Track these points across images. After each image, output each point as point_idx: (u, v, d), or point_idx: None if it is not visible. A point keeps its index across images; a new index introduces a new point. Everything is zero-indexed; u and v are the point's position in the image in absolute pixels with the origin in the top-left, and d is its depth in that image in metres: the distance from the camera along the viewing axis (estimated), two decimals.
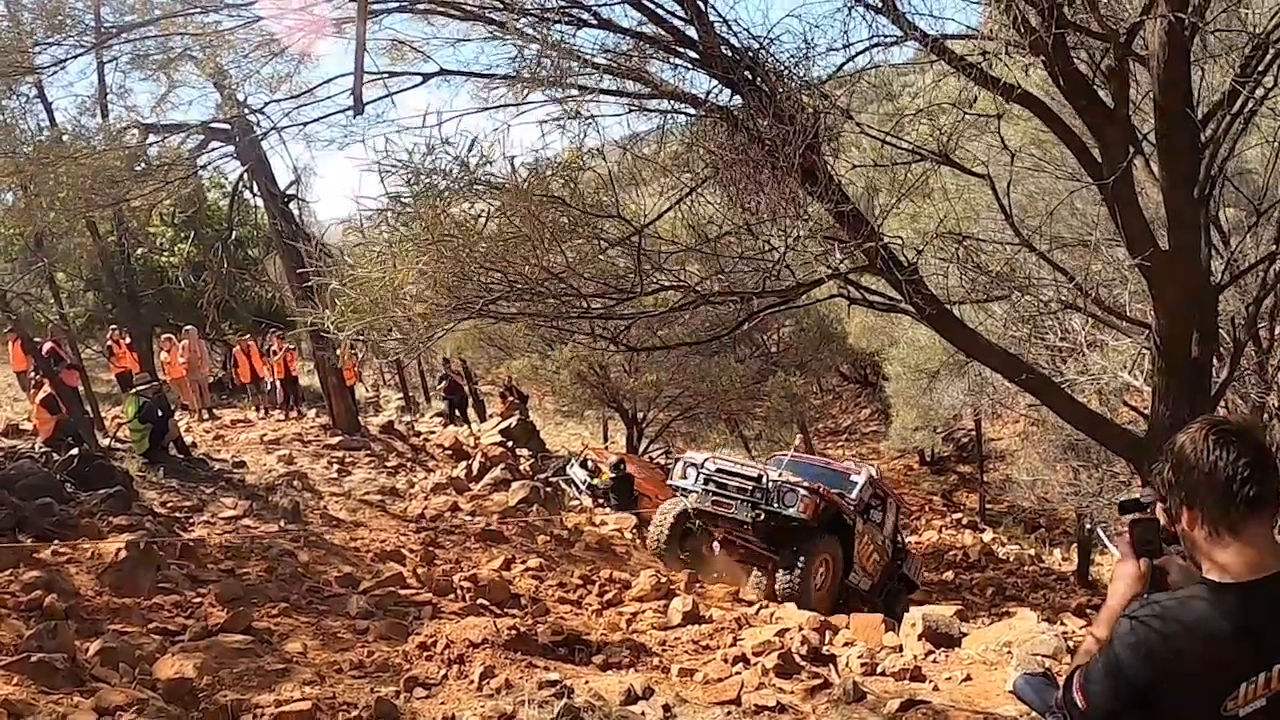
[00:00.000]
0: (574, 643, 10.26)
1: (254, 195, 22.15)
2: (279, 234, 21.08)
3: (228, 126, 16.96)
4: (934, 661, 10.73)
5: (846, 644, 11.13)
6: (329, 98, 10.06)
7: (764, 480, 17.01)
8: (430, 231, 8.24)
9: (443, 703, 8.08)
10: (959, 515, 34.15)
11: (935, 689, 9.65)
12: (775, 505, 16.66)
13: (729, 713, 8.38)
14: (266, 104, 11.04)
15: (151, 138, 14.31)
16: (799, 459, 20.84)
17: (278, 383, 26.49)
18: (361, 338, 9.22)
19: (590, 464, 24.18)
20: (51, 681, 7.30)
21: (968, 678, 10.04)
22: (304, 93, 10.40)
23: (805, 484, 17.10)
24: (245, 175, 20.84)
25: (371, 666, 8.89)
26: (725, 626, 11.59)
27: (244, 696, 7.68)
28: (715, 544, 17.79)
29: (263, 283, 29.60)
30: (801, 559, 16.31)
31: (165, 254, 31.92)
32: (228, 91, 15.03)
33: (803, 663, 9.95)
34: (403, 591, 11.52)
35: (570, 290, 8.83)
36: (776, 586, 16.31)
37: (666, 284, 9.31)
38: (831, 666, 10.19)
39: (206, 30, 10.29)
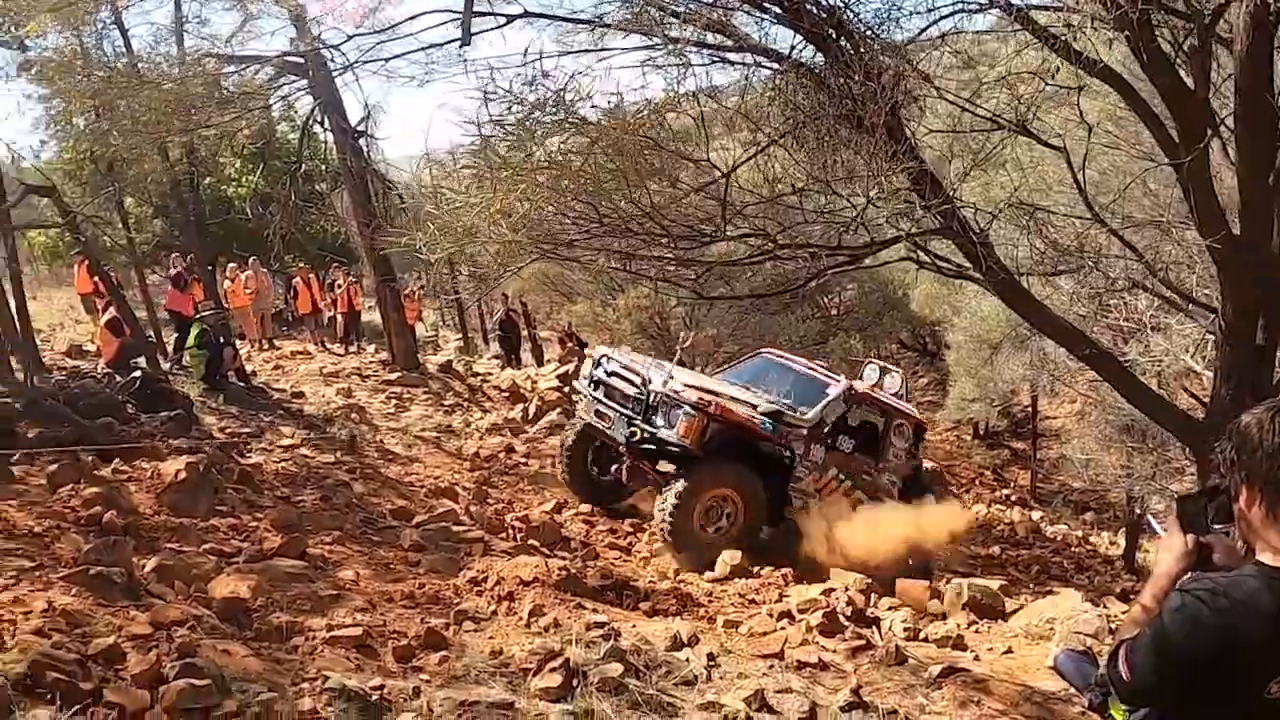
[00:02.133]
0: (622, 588, 10.36)
1: (324, 130, 22.29)
2: (348, 169, 21.23)
3: (301, 60, 17.08)
4: (976, 632, 10.75)
5: (891, 608, 11.16)
6: (411, 34, 10.12)
7: (647, 387, 13.40)
8: (529, 161, 8.36)
9: (491, 637, 8.18)
10: (1009, 491, 33.95)
11: (976, 659, 9.68)
12: (654, 423, 13.19)
13: (772, 666, 8.42)
14: (350, 38, 11.09)
15: (228, 68, 14.44)
16: (777, 358, 16.43)
17: (339, 316, 26.74)
18: (447, 266, 9.33)
19: None
20: (109, 595, 7.43)
21: (1009, 650, 10.06)
22: (388, 28, 10.48)
23: (697, 397, 13.05)
24: (317, 109, 20.97)
25: (422, 598, 9.02)
26: (772, 582, 11.63)
27: (296, 619, 7.81)
28: (622, 468, 14.09)
29: (329, 217, 29.76)
30: (673, 494, 12.77)
31: (233, 184, 32.17)
32: (304, 25, 15.15)
33: (847, 623, 9.97)
34: (455, 528, 11.65)
35: (659, 229, 8.88)
36: (655, 525, 13.21)
37: (747, 231, 9.35)
38: (875, 629, 10.21)
39: None
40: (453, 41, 9.90)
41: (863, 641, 9.47)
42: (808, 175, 9.41)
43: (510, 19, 9.23)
